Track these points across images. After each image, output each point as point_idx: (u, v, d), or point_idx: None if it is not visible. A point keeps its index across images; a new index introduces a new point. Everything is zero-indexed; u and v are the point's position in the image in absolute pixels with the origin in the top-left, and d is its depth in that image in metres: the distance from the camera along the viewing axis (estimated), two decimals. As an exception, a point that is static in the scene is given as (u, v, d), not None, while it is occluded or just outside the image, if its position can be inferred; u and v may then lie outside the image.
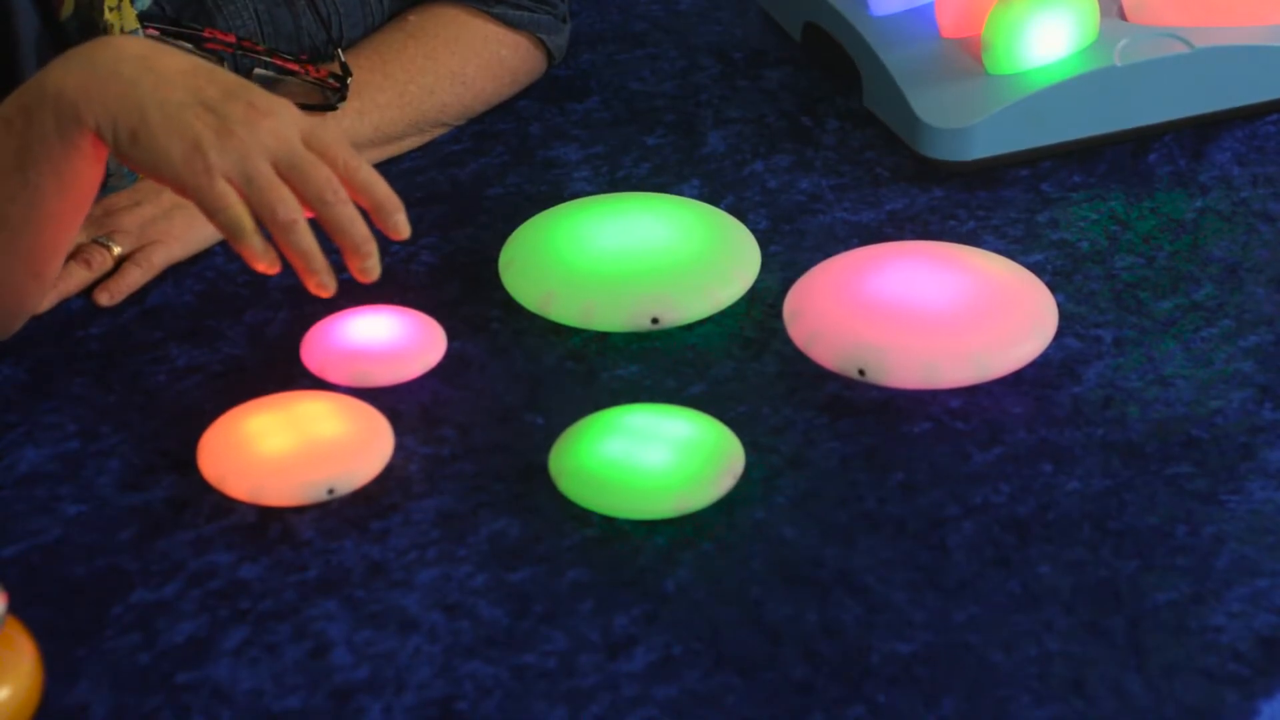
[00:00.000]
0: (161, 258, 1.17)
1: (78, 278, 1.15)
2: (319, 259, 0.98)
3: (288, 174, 0.96)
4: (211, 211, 0.95)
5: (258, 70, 1.21)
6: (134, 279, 1.16)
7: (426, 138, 1.30)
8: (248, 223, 0.95)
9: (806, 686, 0.89)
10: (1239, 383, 1.07)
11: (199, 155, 0.94)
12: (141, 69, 0.95)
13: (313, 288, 0.99)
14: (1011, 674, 0.89)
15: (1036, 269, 1.15)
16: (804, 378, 1.08)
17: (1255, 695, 0.88)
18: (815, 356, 1.07)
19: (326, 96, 1.23)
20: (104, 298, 1.15)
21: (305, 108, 1.22)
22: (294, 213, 0.96)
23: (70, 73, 0.95)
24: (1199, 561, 0.96)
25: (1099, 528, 0.98)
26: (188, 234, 1.18)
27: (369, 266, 0.99)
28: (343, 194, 0.97)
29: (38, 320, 1.14)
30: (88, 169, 0.98)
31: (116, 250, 1.16)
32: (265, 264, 0.97)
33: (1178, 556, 0.96)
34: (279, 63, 1.21)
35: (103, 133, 0.95)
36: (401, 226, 1.00)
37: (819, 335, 1.07)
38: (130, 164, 0.96)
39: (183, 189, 0.95)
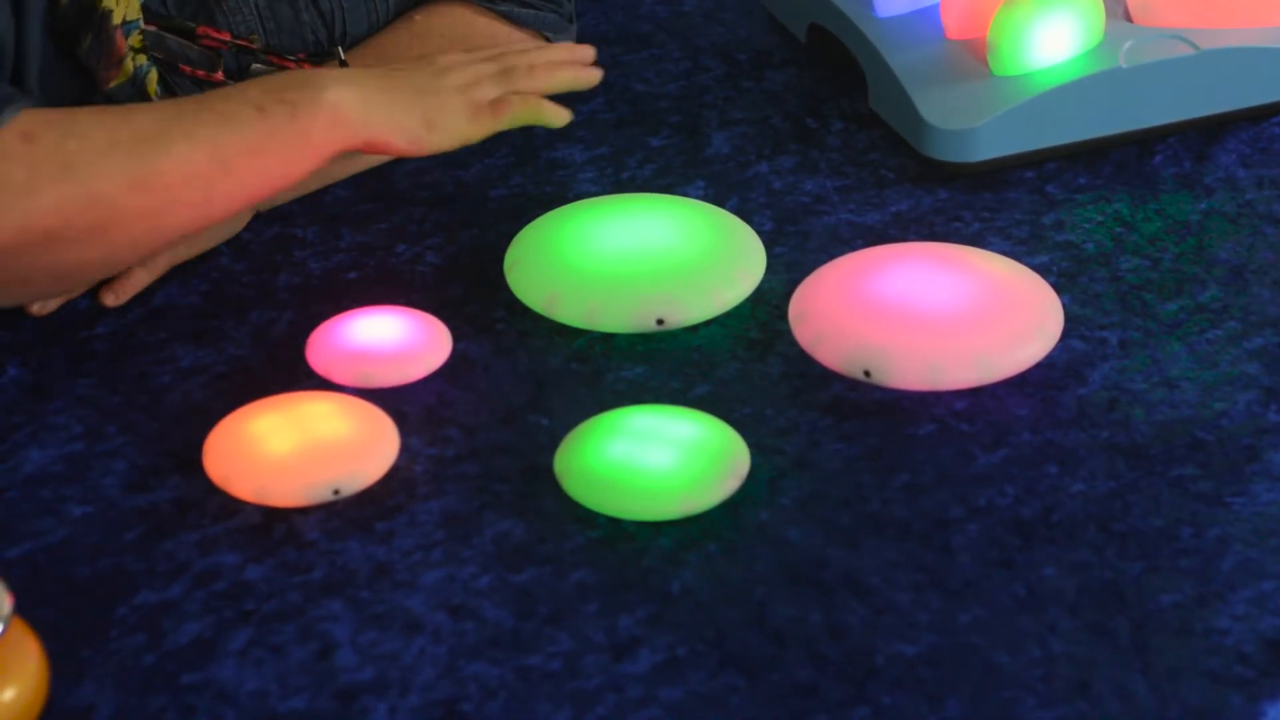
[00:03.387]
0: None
1: None
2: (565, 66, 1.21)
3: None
4: (509, 120, 1.15)
5: (255, 66, 1.21)
6: (139, 279, 1.16)
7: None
8: (531, 102, 1.16)
9: (811, 688, 0.89)
10: (1244, 385, 1.07)
11: (472, 104, 1.14)
12: (385, 82, 1.12)
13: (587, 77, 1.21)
14: (1016, 676, 0.89)
15: (1041, 270, 1.15)
16: (809, 379, 1.08)
17: (1260, 697, 0.88)
18: (820, 358, 1.07)
19: None
20: (109, 298, 1.15)
21: None
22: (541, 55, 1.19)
23: (346, 90, 1.08)
24: (1204, 564, 0.95)
25: (1104, 529, 0.98)
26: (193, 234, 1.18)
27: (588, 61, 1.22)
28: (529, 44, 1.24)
29: (43, 321, 1.14)
30: (310, 172, 1.09)
31: None
32: (564, 116, 1.17)
33: (1182, 559, 0.96)
34: (275, 60, 1.21)
35: (393, 137, 1.10)
36: (586, 51, 1.23)
37: (824, 336, 1.07)
38: (426, 150, 1.12)
39: (476, 135, 1.14)
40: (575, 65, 1.20)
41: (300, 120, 1.06)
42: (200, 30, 1.19)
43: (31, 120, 1.01)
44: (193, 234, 1.12)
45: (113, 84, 1.14)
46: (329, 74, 1.10)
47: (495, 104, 1.14)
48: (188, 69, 1.19)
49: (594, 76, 1.20)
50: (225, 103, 1.06)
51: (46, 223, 1.01)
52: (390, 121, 1.10)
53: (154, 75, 1.16)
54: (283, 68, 1.22)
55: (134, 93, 1.14)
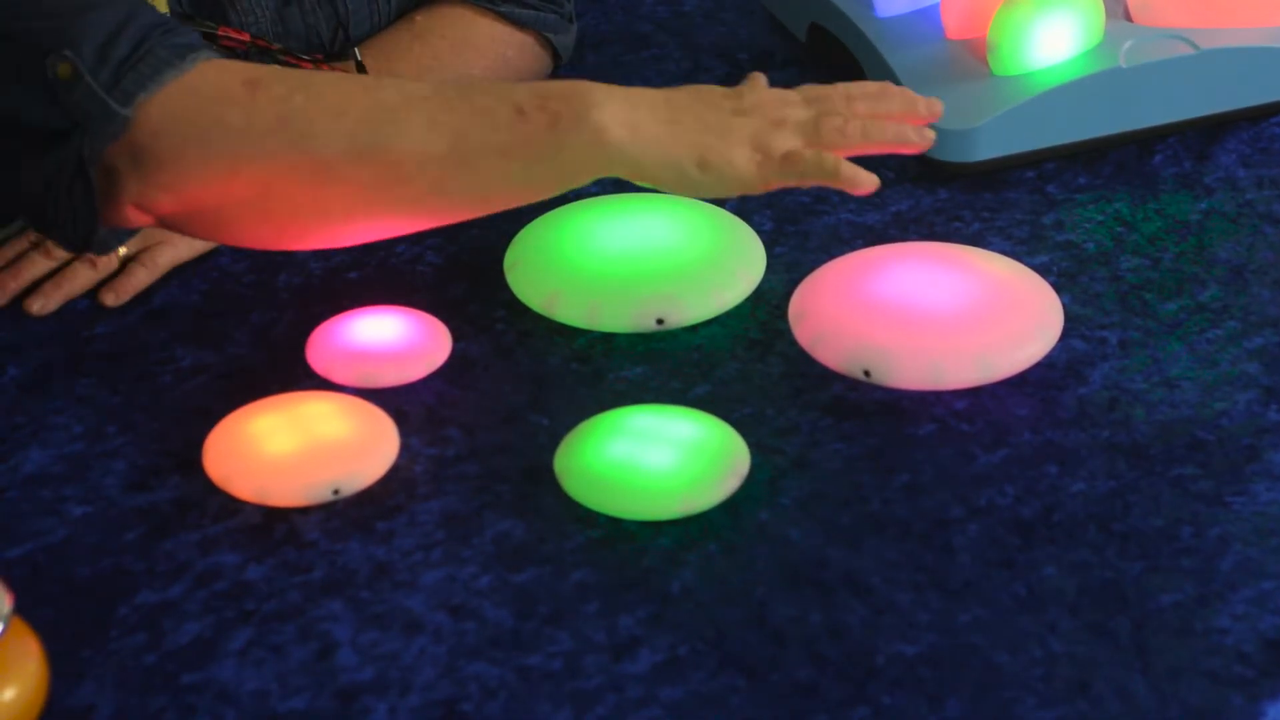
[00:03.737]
0: (167, 258, 1.17)
1: (84, 278, 1.15)
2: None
3: (821, 112, 1.04)
4: (797, 176, 1.01)
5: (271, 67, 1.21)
6: (139, 280, 1.16)
7: None
8: (828, 161, 1.01)
9: (811, 688, 0.89)
10: (1244, 384, 1.07)
11: (761, 152, 1.00)
12: (668, 110, 1.00)
13: (918, 140, 1.05)
14: (1016, 675, 0.89)
15: (1042, 270, 1.15)
16: (809, 379, 1.08)
17: (1260, 697, 0.88)
18: (820, 357, 1.07)
19: None
20: (110, 298, 1.15)
21: None
22: (844, 110, 1.04)
23: (619, 112, 0.99)
24: (1204, 563, 0.95)
25: (1104, 529, 0.98)
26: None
27: (931, 111, 1.06)
28: (864, 90, 1.06)
29: (44, 321, 1.14)
30: (560, 190, 1.02)
31: (121, 251, 1.16)
32: (867, 182, 1.01)
33: (1183, 558, 0.96)
34: (292, 61, 1.21)
35: (660, 172, 0.99)
36: (933, 106, 1.07)
37: (824, 336, 1.07)
38: (692, 192, 1.01)
39: (756, 186, 1.01)
40: (904, 123, 1.05)
41: (559, 133, 0.98)
42: (220, 31, 1.19)
43: (262, 70, 1.00)
44: (421, 227, 1.06)
45: None
46: (608, 91, 1.00)
47: (787, 156, 1.00)
48: None
49: (924, 139, 1.05)
50: (484, 96, 1.00)
51: (257, 172, 0.99)
52: (659, 156, 0.99)
53: None
54: (302, 69, 1.22)
55: None
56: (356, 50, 1.24)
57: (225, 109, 0.98)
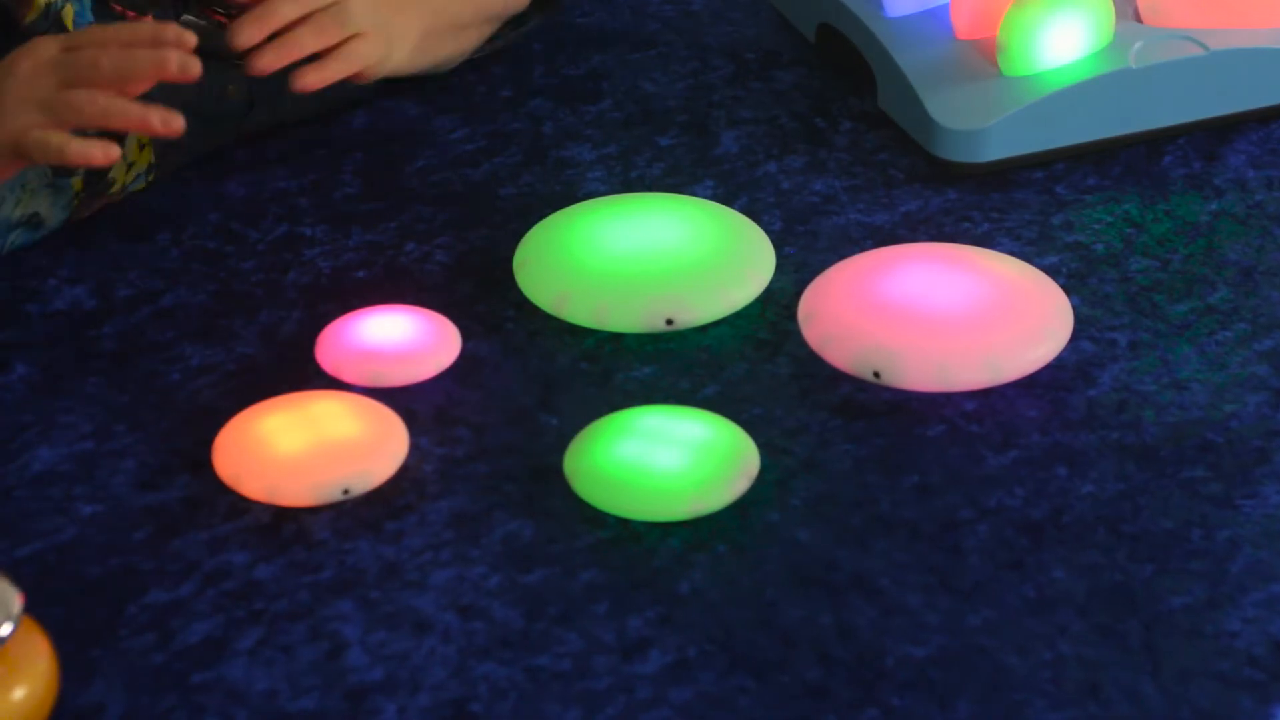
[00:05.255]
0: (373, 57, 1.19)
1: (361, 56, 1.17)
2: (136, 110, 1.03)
3: (76, 78, 1.03)
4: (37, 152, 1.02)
5: (186, 17, 1.20)
6: (332, 72, 1.16)
7: (491, 28, 1.32)
8: (54, 139, 1.01)
9: (820, 689, 0.89)
10: (1254, 386, 1.07)
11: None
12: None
13: (160, 126, 1.03)
14: (1025, 677, 0.89)
15: (1051, 271, 1.15)
16: (818, 379, 1.08)
17: (1270, 699, 0.88)
18: (829, 358, 1.07)
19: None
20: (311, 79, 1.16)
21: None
22: (94, 101, 1.02)
23: None
24: (1214, 566, 0.95)
25: (1113, 531, 0.98)
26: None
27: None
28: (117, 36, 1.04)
29: (51, 320, 1.14)
30: None
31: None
32: (100, 152, 1.02)
33: (1192, 560, 0.96)
34: (209, 14, 1.21)
35: None
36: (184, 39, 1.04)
37: (833, 337, 1.07)
38: None
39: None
40: (150, 109, 1.05)
41: None
42: None
43: None
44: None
45: (28, 19, 1.14)
46: None
47: (25, 140, 1.03)
48: (119, 8, 1.19)
49: (167, 124, 1.05)
50: None
51: None
52: None
53: (70, 9, 1.15)
54: (209, 19, 1.21)
55: (49, 26, 1.14)
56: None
57: None
